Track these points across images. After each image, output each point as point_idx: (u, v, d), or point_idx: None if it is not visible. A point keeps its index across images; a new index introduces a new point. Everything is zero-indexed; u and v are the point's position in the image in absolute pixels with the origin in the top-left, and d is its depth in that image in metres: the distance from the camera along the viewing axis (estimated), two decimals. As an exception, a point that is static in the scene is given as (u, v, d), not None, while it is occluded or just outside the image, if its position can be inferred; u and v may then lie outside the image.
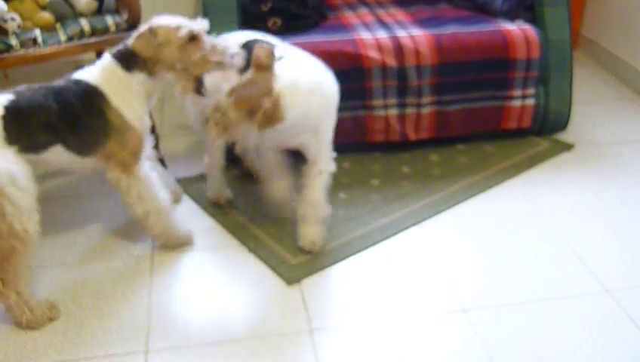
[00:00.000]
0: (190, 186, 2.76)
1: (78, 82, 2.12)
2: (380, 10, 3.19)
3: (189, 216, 2.57)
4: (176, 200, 2.62)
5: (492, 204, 2.62)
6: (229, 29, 2.77)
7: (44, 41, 2.48)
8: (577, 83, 3.28)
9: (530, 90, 2.93)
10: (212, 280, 2.26)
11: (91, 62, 2.21)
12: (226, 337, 2.02)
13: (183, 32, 2.12)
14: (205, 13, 2.80)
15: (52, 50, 2.48)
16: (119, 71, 2.13)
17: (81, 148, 2.12)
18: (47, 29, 2.54)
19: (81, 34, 2.55)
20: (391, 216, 2.56)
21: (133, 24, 2.62)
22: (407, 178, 2.77)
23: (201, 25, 2.18)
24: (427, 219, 2.54)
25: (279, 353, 1.96)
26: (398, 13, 3.13)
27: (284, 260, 2.33)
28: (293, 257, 2.34)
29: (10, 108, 1.97)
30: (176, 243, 2.41)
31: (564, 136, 3.08)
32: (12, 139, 1.96)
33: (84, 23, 2.57)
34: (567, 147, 3.00)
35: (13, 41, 2.44)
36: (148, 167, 2.28)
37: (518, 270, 2.28)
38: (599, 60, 3.89)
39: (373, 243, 2.42)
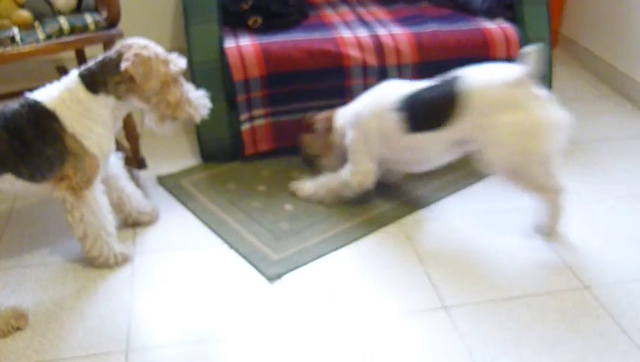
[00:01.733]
0: (170, 182, 2.76)
1: (33, 105, 2.04)
2: (361, 8, 3.20)
3: (169, 213, 2.57)
4: (151, 221, 2.53)
5: (471, 201, 2.64)
6: (209, 27, 2.78)
7: (22, 40, 2.46)
8: (556, 81, 3.30)
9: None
10: (193, 278, 2.26)
11: (70, 60, 2.19)
12: (206, 336, 2.02)
13: (174, 67, 2.10)
14: (185, 11, 2.79)
15: (30, 48, 2.46)
16: (82, 92, 2.06)
17: (33, 175, 2.06)
18: (26, 27, 2.52)
19: (60, 32, 2.53)
20: (370, 212, 2.57)
21: (112, 22, 2.60)
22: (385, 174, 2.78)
23: (182, 63, 2.16)
24: (407, 215, 2.56)
25: (262, 350, 1.96)
26: (379, 12, 3.14)
27: (265, 256, 2.33)
28: (275, 253, 2.35)
29: None
30: (109, 265, 2.30)
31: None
32: None
33: (63, 21, 2.55)
34: None
35: (-9, 40, 2.42)
36: (99, 192, 2.20)
37: (498, 267, 2.29)
38: (578, 59, 3.92)
39: (353, 240, 2.43)
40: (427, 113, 2.31)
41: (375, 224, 2.51)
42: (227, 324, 2.06)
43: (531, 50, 2.16)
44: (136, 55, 2.05)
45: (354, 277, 2.25)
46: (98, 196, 2.19)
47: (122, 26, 2.65)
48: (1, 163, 2.00)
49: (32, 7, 2.58)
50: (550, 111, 2.22)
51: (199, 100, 2.22)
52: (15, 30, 2.47)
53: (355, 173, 2.48)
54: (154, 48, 2.12)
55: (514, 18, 2.98)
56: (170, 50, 3.90)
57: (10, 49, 2.43)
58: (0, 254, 2.37)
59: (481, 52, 2.84)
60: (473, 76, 2.26)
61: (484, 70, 2.29)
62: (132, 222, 2.50)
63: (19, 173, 2.04)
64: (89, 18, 2.59)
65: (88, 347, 1.98)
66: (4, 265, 2.32)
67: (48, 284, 2.23)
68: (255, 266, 2.30)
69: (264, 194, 2.68)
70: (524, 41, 2.90)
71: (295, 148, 2.80)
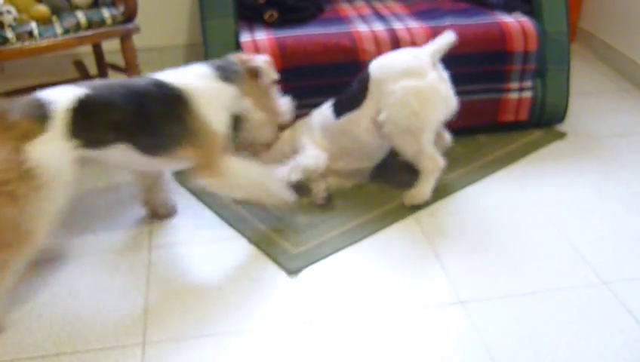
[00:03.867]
0: (185, 177, 2.76)
1: (161, 84, 2.11)
2: (377, 2, 3.19)
3: (185, 208, 2.57)
4: (168, 215, 2.53)
5: (489, 196, 2.62)
6: (225, 21, 2.77)
7: (40, 34, 2.48)
8: (575, 75, 3.28)
9: (528, 83, 2.93)
10: (211, 272, 2.26)
11: (87, 55, 2.21)
12: (222, 329, 2.02)
13: (270, 76, 2.36)
14: (201, 6, 2.79)
15: (48, 43, 2.48)
16: (214, 80, 2.20)
17: (153, 149, 2.12)
18: (44, 21, 2.54)
19: (78, 27, 2.54)
20: (387, 205, 2.57)
21: (129, 17, 2.62)
22: (403, 168, 2.76)
23: (275, 75, 2.39)
24: (422, 209, 2.55)
25: (281, 344, 1.96)
26: (395, 6, 3.12)
27: (284, 250, 2.33)
28: (294, 247, 2.35)
29: (81, 103, 1.93)
30: (286, 202, 2.44)
31: (561, 128, 3.08)
32: (77, 132, 1.93)
33: (81, 16, 2.56)
34: (560, 135, 3.02)
35: (10, 34, 2.43)
36: (230, 158, 2.26)
37: (515, 262, 2.28)
38: (597, 53, 3.89)
39: (370, 234, 2.42)
40: (348, 98, 2.58)
41: (391, 218, 2.50)
42: (247, 318, 2.06)
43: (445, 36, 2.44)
44: (267, 61, 2.34)
45: (370, 272, 2.25)
46: (233, 161, 2.24)
47: (138, 20, 2.66)
48: (122, 132, 2.04)
49: (49, 1, 2.60)
50: (444, 86, 2.46)
51: (286, 105, 2.51)
52: (33, 25, 2.49)
53: (309, 157, 2.58)
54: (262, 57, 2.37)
55: (532, 12, 2.96)
56: (186, 45, 3.94)
57: (28, 43, 2.45)
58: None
59: (498, 46, 2.82)
60: (380, 57, 2.54)
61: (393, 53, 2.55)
62: (150, 211, 2.51)
63: (136, 145, 2.08)
64: (106, 13, 2.61)
65: (105, 340, 1.99)
66: (22, 258, 2.33)
67: (65, 278, 2.24)
68: (275, 260, 2.30)
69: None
70: (542, 34, 2.87)
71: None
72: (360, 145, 2.60)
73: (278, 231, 2.43)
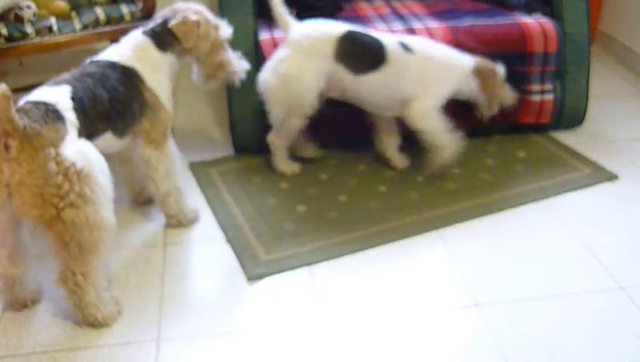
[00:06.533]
0: (199, 169, 2.80)
1: (113, 65, 2.12)
2: (396, 2, 3.18)
3: (188, 199, 2.58)
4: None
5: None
6: (244, 19, 2.77)
7: (59, 30, 2.49)
8: (594, 78, 3.25)
9: (548, 86, 2.91)
10: (225, 270, 2.26)
11: (104, 49, 2.21)
12: (237, 327, 2.02)
13: (223, 34, 2.31)
14: (221, 4, 2.79)
15: (67, 38, 2.49)
16: (153, 50, 2.20)
17: (124, 130, 2.16)
18: (63, 17, 2.55)
19: (96, 22, 2.55)
20: (395, 221, 2.49)
21: (148, 13, 2.62)
22: (413, 189, 2.72)
23: (230, 31, 2.36)
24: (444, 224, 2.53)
25: (291, 346, 1.96)
26: (414, 5, 3.11)
27: (254, 255, 2.31)
28: (267, 253, 2.32)
29: (75, 100, 1.93)
30: (186, 222, 2.44)
31: (582, 132, 3.06)
32: (81, 129, 1.92)
33: (100, 12, 2.57)
34: (610, 177, 2.75)
35: (29, 29, 2.45)
36: (173, 146, 2.32)
37: (531, 265, 2.26)
38: (616, 55, 3.86)
39: (356, 251, 2.35)
40: None
41: (407, 231, 2.45)
42: (261, 317, 2.07)
43: None
44: (183, 17, 2.22)
45: (387, 273, 2.24)
46: (173, 149, 2.32)
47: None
48: (106, 121, 2.06)
49: (69, -3, 2.61)
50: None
51: (239, 65, 2.44)
52: (52, 20, 2.50)
53: None
54: (206, 14, 2.31)
55: (552, 13, 2.94)
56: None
57: (47, 38, 2.47)
58: (31, 244, 2.39)
59: (518, 47, 2.80)
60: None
61: None
62: (142, 200, 2.57)
63: (114, 131, 2.12)
64: (125, 9, 2.61)
65: (120, 335, 1.99)
66: (35, 254, 2.34)
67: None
68: (241, 264, 2.28)
69: (284, 193, 2.64)
70: (562, 36, 2.85)
71: (328, 145, 2.79)
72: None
73: (260, 235, 2.40)
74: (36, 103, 1.84)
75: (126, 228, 2.46)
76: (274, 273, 2.24)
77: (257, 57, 2.73)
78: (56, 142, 1.79)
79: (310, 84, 2.46)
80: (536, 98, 2.92)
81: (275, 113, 2.54)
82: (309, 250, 2.33)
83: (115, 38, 2.61)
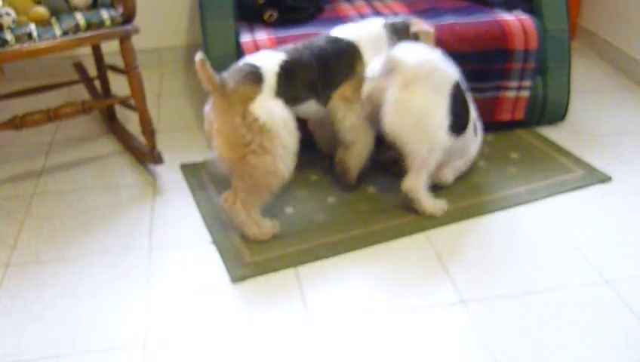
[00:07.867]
0: (189, 171, 2.79)
1: (336, 41, 2.41)
2: (377, 1, 3.18)
3: (177, 199, 2.57)
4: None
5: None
6: (225, 22, 2.77)
7: (39, 36, 2.47)
8: (575, 73, 3.28)
9: (527, 83, 2.92)
10: (211, 273, 2.26)
11: (87, 56, 2.20)
12: (223, 333, 2.02)
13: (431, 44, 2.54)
14: (201, 6, 2.79)
15: (47, 44, 2.47)
16: (383, 36, 2.46)
17: (326, 101, 2.42)
18: (42, 23, 2.52)
19: (77, 28, 2.54)
20: (384, 223, 2.55)
21: (128, 18, 2.61)
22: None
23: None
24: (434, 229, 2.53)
25: (283, 347, 1.96)
26: (395, 5, 3.12)
27: (238, 256, 2.31)
28: (251, 255, 2.32)
29: (283, 67, 2.24)
30: (356, 177, 2.63)
31: (565, 127, 3.07)
32: (281, 92, 2.23)
33: (80, 18, 2.55)
34: (603, 178, 2.72)
35: (9, 36, 2.43)
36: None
37: (517, 262, 2.27)
38: (597, 50, 3.88)
39: (343, 252, 2.34)
40: None
41: (394, 232, 2.46)
42: (251, 320, 2.06)
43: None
44: (430, 32, 2.52)
45: (377, 271, 2.24)
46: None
47: (138, 21, 2.65)
48: (312, 90, 2.36)
49: (48, 3, 2.59)
50: None
51: None
52: (32, 26, 2.48)
53: None
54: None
55: (532, 9, 2.95)
56: (186, 45, 3.93)
57: (27, 45, 2.44)
58: (18, 249, 2.39)
59: (499, 44, 2.81)
60: None
61: None
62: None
63: (318, 100, 2.40)
64: (105, 14, 2.60)
65: (106, 341, 1.99)
66: (21, 260, 2.33)
67: (65, 279, 2.24)
68: (225, 265, 2.28)
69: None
70: (542, 32, 2.86)
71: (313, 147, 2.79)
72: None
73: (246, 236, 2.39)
74: (246, 64, 2.23)
75: (111, 234, 2.45)
76: (258, 274, 2.23)
77: (239, 59, 2.73)
78: (248, 100, 2.16)
79: None
80: (512, 94, 2.93)
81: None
82: (296, 251, 2.33)
83: (95, 43, 2.60)
